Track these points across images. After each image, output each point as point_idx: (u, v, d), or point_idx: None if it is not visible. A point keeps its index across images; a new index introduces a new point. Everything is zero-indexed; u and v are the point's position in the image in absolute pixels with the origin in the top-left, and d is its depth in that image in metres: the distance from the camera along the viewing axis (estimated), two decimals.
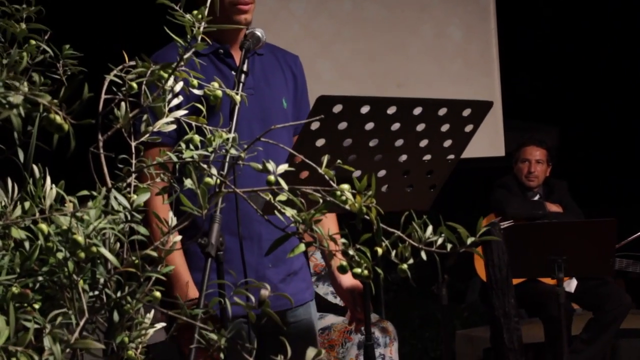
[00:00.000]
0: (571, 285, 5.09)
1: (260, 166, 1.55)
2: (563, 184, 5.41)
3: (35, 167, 1.47)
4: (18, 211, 1.39)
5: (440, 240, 1.56)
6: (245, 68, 2.19)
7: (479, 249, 4.52)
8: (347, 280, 2.52)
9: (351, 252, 1.53)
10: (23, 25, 1.83)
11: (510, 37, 8.13)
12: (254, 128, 2.38)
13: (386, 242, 1.58)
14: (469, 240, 1.55)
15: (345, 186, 1.58)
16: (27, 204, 1.42)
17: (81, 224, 1.41)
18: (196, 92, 1.73)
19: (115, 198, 1.55)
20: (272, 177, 1.52)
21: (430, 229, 1.57)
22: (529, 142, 5.30)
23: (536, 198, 5.29)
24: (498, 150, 5.65)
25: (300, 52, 5.03)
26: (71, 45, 1.72)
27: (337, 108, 1.96)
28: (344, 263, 1.53)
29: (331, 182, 1.58)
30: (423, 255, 1.55)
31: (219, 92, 1.86)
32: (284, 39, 4.90)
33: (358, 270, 1.52)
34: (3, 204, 1.48)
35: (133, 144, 1.68)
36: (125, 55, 1.75)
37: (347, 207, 1.55)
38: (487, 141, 5.57)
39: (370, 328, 2.39)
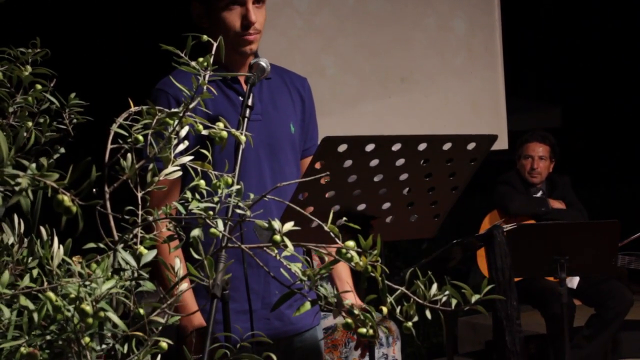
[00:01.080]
0: (573, 281, 5.12)
1: (265, 224, 1.55)
2: (566, 180, 5.42)
3: (42, 230, 1.48)
4: (26, 280, 1.40)
5: (444, 298, 1.57)
6: (250, 102, 2.19)
7: (482, 250, 4.53)
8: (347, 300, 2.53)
9: (356, 311, 1.55)
10: (29, 68, 1.83)
11: (513, 24, 8.09)
12: (260, 154, 2.38)
13: (391, 299, 1.59)
14: (474, 299, 1.56)
15: (351, 243, 1.59)
16: (34, 272, 1.43)
17: (89, 288, 1.42)
18: (203, 132, 1.73)
19: (122, 256, 1.56)
20: (277, 237, 1.53)
21: (435, 286, 1.59)
22: (532, 138, 5.29)
23: (539, 194, 5.30)
24: (501, 144, 5.65)
25: (303, 47, 5.05)
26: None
27: (342, 147, 1.96)
28: (349, 321, 1.55)
29: (336, 239, 1.59)
30: (428, 314, 1.57)
31: (224, 134, 1.86)
32: (287, 35, 4.90)
33: (363, 330, 1.54)
34: (10, 241, 1.50)
35: (139, 194, 1.69)
36: (131, 103, 1.76)
37: (352, 265, 1.56)
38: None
39: (375, 353, 2.41)
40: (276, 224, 1.57)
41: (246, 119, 2.14)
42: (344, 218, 2.21)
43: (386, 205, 2.16)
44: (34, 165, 1.30)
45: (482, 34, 5.60)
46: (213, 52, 1.73)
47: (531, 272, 4.54)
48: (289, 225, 1.57)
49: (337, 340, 4.24)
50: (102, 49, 7.35)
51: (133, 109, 1.74)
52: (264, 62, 2.32)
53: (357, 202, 2.12)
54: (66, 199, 1.24)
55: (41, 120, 1.81)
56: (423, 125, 5.37)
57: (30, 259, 1.47)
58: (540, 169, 5.21)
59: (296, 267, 1.61)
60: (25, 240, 1.53)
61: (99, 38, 7.33)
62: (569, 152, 11.71)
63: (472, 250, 4.20)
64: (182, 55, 1.79)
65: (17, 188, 1.23)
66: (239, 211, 1.57)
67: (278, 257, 1.59)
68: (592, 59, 11.42)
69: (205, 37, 1.81)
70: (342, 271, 2.53)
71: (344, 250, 1.59)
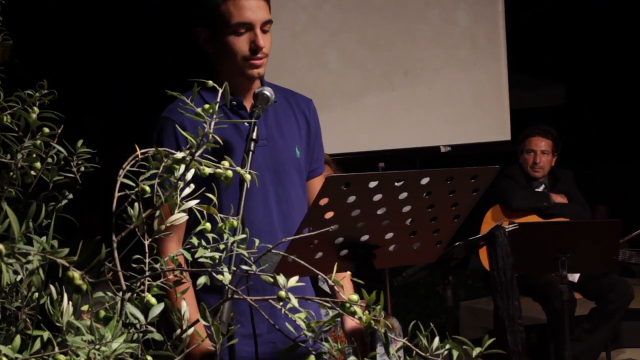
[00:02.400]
0: (574, 275, 5.15)
1: (271, 279, 1.58)
2: (568, 174, 5.44)
3: (52, 288, 1.52)
4: (37, 344, 1.44)
5: (446, 352, 1.61)
6: (254, 135, 2.21)
7: (484, 249, 4.57)
8: (349, 322, 2.57)
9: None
10: (36, 110, 1.86)
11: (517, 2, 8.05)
12: (266, 179, 2.40)
13: (394, 352, 1.63)
14: (475, 353, 1.59)
15: (354, 297, 1.62)
16: (45, 334, 1.46)
17: (99, 351, 1.46)
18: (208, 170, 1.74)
19: (130, 311, 1.59)
20: (282, 293, 1.56)
21: (437, 340, 1.62)
22: (534, 132, 5.31)
23: (541, 188, 5.33)
24: (504, 135, 5.67)
25: (307, 42, 5.06)
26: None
27: (346, 185, 1.99)
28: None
29: (340, 293, 1.61)
30: None
31: (230, 173, 1.87)
32: (291, 30, 4.90)
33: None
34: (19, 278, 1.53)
35: (146, 242, 1.71)
36: (138, 149, 1.77)
37: (355, 319, 1.59)
38: (493, 126, 5.59)
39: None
40: (281, 279, 1.60)
41: (251, 153, 2.16)
42: (346, 250, 2.26)
43: (389, 235, 2.19)
44: (44, 238, 1.33)
45: (485, 25, 5.59)
46: (221, 92, 1.73)
47: (533, 269, 4.58)
48: (293, 281, 1.60)
49: (340, 337, 4.28)
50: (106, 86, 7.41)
51: (139, 152, 1.76)
52: (268, 92, 2.33)
53: (360, 233, 2.15)
54: (76, 276, 1.27)
55: (49, 160, 1.84)
56: (426, 118, 5.39)
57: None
58: (542, 164, 5.23)
59: (300, 320, 1.64)
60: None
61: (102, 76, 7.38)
62: (572, 130, 11.73)
63: (475, 249, 4.23)
64: (188, 102, 1.81)
65: (28, 266, 1.26)
66: (245, 267, 1.59)
67: (284, 311, 1.62)
68: (597, 36, 11.37)
69: (210, 83, 1.83)
70: (346, 290, 2.57)
71: (347, 305, 1.62)
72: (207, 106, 1.77)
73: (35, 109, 1.87)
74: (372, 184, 2.02)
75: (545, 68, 11.94)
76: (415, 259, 2.37)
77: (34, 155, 1.83)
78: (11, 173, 1.83)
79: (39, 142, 1.83)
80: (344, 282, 2.56)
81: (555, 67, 11.91)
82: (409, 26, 5.36)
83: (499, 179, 5.32)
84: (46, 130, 1.84)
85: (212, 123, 1.78)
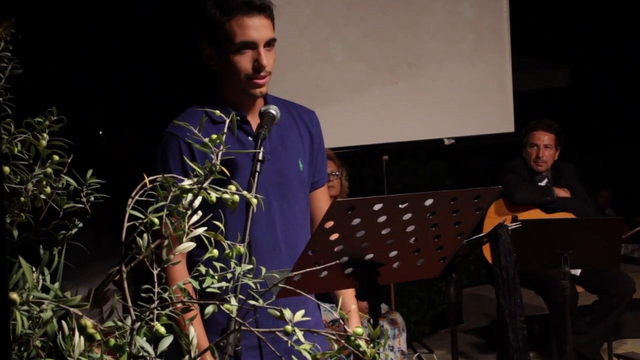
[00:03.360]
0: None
1: (277, 312, 1.61)
2: (571, 168, 5.45)
3: (64, 323, 1.55)
4: None
5: None
6: (260, 157, 2.23)
7: (487, 246, 4.60)
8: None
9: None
10: (46, 136, 1.88)
11: None
12: (270, 194, 2.42)
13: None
14: None
15: (359, 330, 1.65)
16: None
17: None
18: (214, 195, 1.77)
19: (139, 343, 1.62)
20: (289, 327, 1.59)
21: None
22: (537, 126, 5.31)
23: (544, 182, 5.34)
24: (507, 127, 5.69)
25: (311, 35, 5.06)
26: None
27: (350, 209, 2.02)
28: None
29: (345, 327, 1.64)
30: None
31: (237, 197, 1.90)
32: (295, 23, 4.91)
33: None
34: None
35: (155, 272, 1.74)
36: (146, 178, 1.80)
37: (359, 353, 1.63)
38: (497, 118, 5.61)
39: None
40: (287, 313, 1.63)
41: (257, 174, 2.18)
42: (351, 268, 2.29)
43: (393, 254, 2.22)
44: (57, 285, 1.36)
45: (489, 16, 5.60)
46: (226, 127, 1.75)
47: (535, 265, 4.61)
48: (299, 315, 1.63)
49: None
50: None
51: (147, 180, 1.79)
52: (274, 110, 2.34)
53: (364, 252, 2.18)
54: (89, 324, 1.30)
55: (60, 185, 1.86)
56: (430, 110, 5.41)
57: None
58: (545, 158, 5.24)
59: (306, 352, 1.67)
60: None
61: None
62: (577, 112, 11.73)
63: (478, 247, 4.26)
64: (196, 132, 1.83)
65: (42, 315, 1.29)
66: (252, 302, 1.62)
67: (290, 343, 1.65)
68: (602, 18, 11.35)
69: (218, 113, 1.85)
70: (349, 302, 2.60)
71: (352, 338, 1.65)
72: (214, 136, 1.79)
73: (45, 135, 1.89)
74: (377, 207, 2.05)
75: (549, 50, 11.92)
76: (419, 274, 2.40)
77: (44, 183, 1.85)
78: (22, 198, 1.86)
79: (49, 170, 1.86)
80: (349, 297, 2.60)
81: (559, 49, 11.89)
82: (413, 18, 5.37)
83: (503, 173, 5.35)
84: (56, 157, 1.86)
85: (220, 154, 1.80)
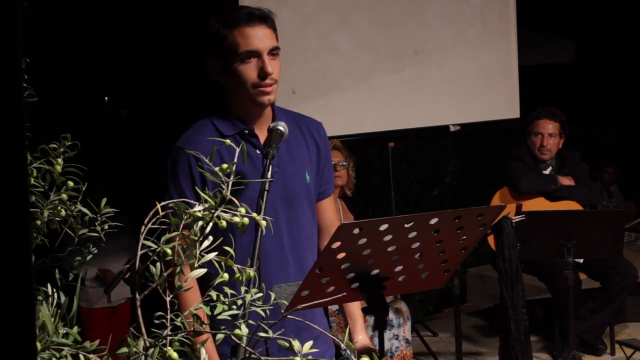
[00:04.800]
0: None
1: (287, 343, 1.66)
2: (576, 156, 5.49)
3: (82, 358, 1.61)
4: None
5: None
6: (269, 176, 2.27)
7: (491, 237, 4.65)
8: (358, 341, 2.66)
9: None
10: (60, 162, 1.93)
11: None
12: (277, 206, 2.46)
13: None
14: None
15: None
16: None
17: None
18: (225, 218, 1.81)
19: None
20: (297, 359, 1.64)
21: None
22: (542, 115, 5.34)
23: (549, 170, 5.39)
24: (513, 113, 5.72)
25: (318, 24, 5.08)
26: None
27: (357, 230, 2.07)
28: None
29: (352, 357, 1.70)
30: None
31: (247, 220, 1.94)
32: (301, 13, 4.93)
33: None
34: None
35: (167, 298, 1.80)
36: (159, 206, 1.84)
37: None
38: (503, 104, 5.64)
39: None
40: (296, 344, 1.68)
41: (266, 192, 2.23)
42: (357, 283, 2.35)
43: (398, 268, 2.27)
44: (75, 329, 1.41)
45: (496, 3, 5.61)
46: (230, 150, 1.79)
47: (539, 255, 4.67)
48: (307, 346, 1.68)
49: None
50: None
51: (159, 206, 1.84)
52: (282, 127, 2.38)
53: (371, 268, 2.23)
54: None
55: (76, 209, 1.91)
56: (436, 97, 5.44)
57: None
58: (550, 146, 5.28)
59: None
60: None
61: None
62: (582, 88, 11.72)
63: (482, 238, 4.31)
64: (206, 160, 1.87)
65: None
66: (262, 334, 1.68)
67: None
68: None
69: (228, 141, 1.89)
70: (354, 310, 2.66)
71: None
72: (225, 166, 1.83)
73: (60, 160, 1.93)
74: (383, 227, 2.10)
75: (554, 25, 11.88)
76: (423, 286, 2.46)
77: (59, 208, 1.90)
78: (37, 222, 1.91)
79: (64, 196, 1.90)
80: (354, 309, 2.66)
81: (564, 24, 11.85)
82: (420, 6, 5.38)
83: (508, 160, 5.39)
84: (70, 184, 1.91)
85: (230, 184, 1.84)
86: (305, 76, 4.99)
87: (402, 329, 4.52)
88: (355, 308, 2.67)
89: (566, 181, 5.28)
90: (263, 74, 2.40)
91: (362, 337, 2.66)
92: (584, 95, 11.42)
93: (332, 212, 2.68)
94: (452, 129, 5.45)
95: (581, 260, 5.15)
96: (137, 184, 7.67)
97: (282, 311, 2.23)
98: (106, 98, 9.43)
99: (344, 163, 4.52)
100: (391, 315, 4.45)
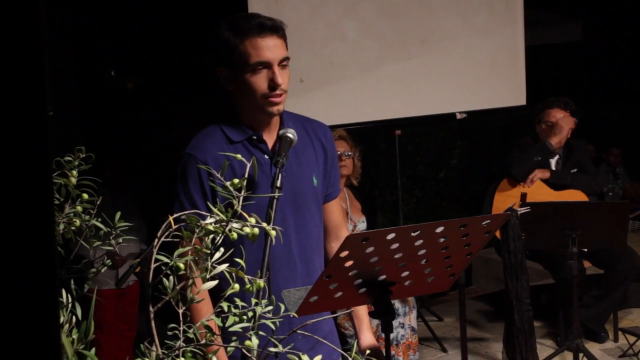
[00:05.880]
0: None
1: (296, 358, 1.71)
2: (582, 144, 5.52)
3: None
4: None
5: None
6: (279, 183, 2.32)
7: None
8: (364, 340, 2.71)
9: None
10: (75, 173, 1.97)
11: None
12: (285, 210, 2.50)
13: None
14: None
15: None
16: None
17: None
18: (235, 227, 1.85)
19: None
20: None
21: None
22: (554, 104, 5.36)
23: (555, 158, 5.43)
24: (519, 100, 5.74)
25: (325, 13, 5.10)
26: None
27: (364, 240, 2.12)
28: None
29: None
30: None
31: (257, 231, 1.99)
32: (308, 2, 4.95)
33: None
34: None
35: (180, 311, 1.85)
36: (171, 219, 1.89)
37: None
38: (509, 92, 5.66)
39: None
40: (305, 358, 1.73)
41: (275, 201, 2.27)
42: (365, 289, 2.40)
43: (405, 274, 2.32)
44: (92, 351, 1.47)
45: None
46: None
47: (544, 245, 4.72)
48: (318, 359, 1.73)
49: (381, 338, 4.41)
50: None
51: (171, 219, 1.88)
52: (291, 134, 2.42)
53: (378, 274, 2.28)
54: None
55: (90, 222, 1.95)
56: (442, 85, 5.46)
57: None
58: None
59: None
60: None
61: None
62: (589, 66, 11.69)
63: None
64: (218, 175, 1.91)
65: None
66: (272, 349, 1.72)
67: None
68: None
69: (239, 156, 1.93)
70: (360, 309, 2.71)
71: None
72: (236, 181, 1.87)
73: (74, 173, 1.97)
74: (390, 236, 2.15)
75: (563, 4, 11.83)
76: (429, 289, 2.51)
77: (74, 219, 1.94)
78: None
79: (79, 208, 1.95)
80: (360, 309, 2.71)
81: (573, 3, 11.79)
82: None
83: (510, 150, 5.43)
84: (85, 196, 1.95)
85: (241, 199, 1.88)
86: (312, 65, 5.01)
87: (408, 318, 4.57)
88: (361, 308, 2.72)
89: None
90: (273, 84, 2.43)
91: (368, 336, 2.71)
92: (591, 75, 11.40)
93: (339, 214, 2.73)
94: (458, 116, 5.48)
95: (585, 249, 5.20)
96: (144, 165, 7.73)
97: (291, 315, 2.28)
98: (112, 72, 9.43)
99: (350, 153, 4.56)
100: (397, 305, 4.51)
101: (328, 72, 5.09)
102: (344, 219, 2.81)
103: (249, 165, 1.94)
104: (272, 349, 1.79)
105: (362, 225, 4.60)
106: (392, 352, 4.45)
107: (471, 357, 5.15)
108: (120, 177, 5.68)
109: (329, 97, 5.08)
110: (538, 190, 5.27)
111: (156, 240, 1.84)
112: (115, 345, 5.61)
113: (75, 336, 1.49)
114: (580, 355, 4.57)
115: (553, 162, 5.42)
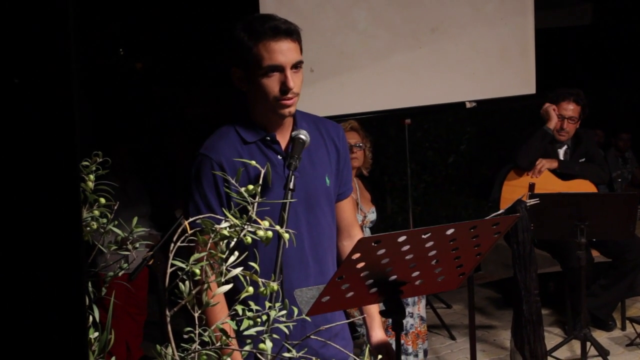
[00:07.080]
0: None
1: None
2: (590, 135, 5.53)
3: None
4: None
5: None
6: (292, 186, 2.35)
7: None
8: (375, 336, 2.74)
9: None
10: (92, 178, 2.00)
11: None
12: (298, 210, 2.53)
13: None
14: None
15: None
16: None
17: None
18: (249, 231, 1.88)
19: None
20: None
21: None
22: (565, 97, 5.36)
23: (564, 149, 5.45)
24: (529, 89, 5.75)
25: (335, 2, 5.12)
26: None
27: (376, 242, 2.15)
28: None
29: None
30: None
31: (270, 233, 2.02)
32: None
33: None
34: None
35: (196, 314, 1.88)
36: (187, 226, 1.92)
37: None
38: (519, 80, 5.67)
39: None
40: None
41: (288, 204, 2.30)
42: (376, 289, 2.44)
43: (415, 274, 2.35)
44: None
45: None
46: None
47: (553, 235, 4.75)
48: None
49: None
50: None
51: (187, 223, 1.91)
52: (304, 136, 2.45)
53: (389, 275, 2.31)
54: None
55: (111, 227, 1.98)
56: (452, 74, 5.47)
57: None
58: (568, 129, 5.32)
59: None
60: None
61: None
62: (598, 51, 11.66)
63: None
64: (233, 182, 1.94)
65: None
66: (286, 354, 1.76)
67: None
68: None
69: (254, 163, 1.96)
70: (371, 307, 2.75)
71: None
72: (251, 187, 1.89)
73: (92, 177, 2.00)
74: (401, 239, 2.18)
75: None
76: (439, 288, 2.55)
77: (92, 223, 1.98)
78: None
79: (96, 212, 1.98)
80: (371, 307, 2.74)
81: None
82: None
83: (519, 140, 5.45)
84: (102, 200, 1.98)
85: (256, 205, 1.91)
86: (323, 54, 5.03)
87: (417, 307, 4.61)
88: (372, 305, 2.75)
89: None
90: (285, 88, 2.45)
91: (379, 333, 2.75)
92: (600, 59, 11.37)
93: (351, 212, 2.76)
94: (468, 105, 5.50)
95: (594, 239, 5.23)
96: (154, 149, 7.75)
97: (304, 315, 2.31)
98: (121, 50, 9.41)
99: (361, 144, 4.59)
100: None
101: (338, 61, 5.10)
102: (356, 217, 2.84)
103: (263, 171, 1.97)
104: (286, 354, 1.83)
105: (371, 216, 4.64)
106: (402, 342, 4.49)
107: (480, 345, 5.19)
108: (129, 163, 5.69)
109: (339, 87, 5.10)
110: (546, 180, 5.29)
111: (172, 245, 1.88)
112: (125, 329, 5.65)
113: (95, 346, 1.53)
114: (588, 344, 4.61)
115: (561, 152, 5.44)
